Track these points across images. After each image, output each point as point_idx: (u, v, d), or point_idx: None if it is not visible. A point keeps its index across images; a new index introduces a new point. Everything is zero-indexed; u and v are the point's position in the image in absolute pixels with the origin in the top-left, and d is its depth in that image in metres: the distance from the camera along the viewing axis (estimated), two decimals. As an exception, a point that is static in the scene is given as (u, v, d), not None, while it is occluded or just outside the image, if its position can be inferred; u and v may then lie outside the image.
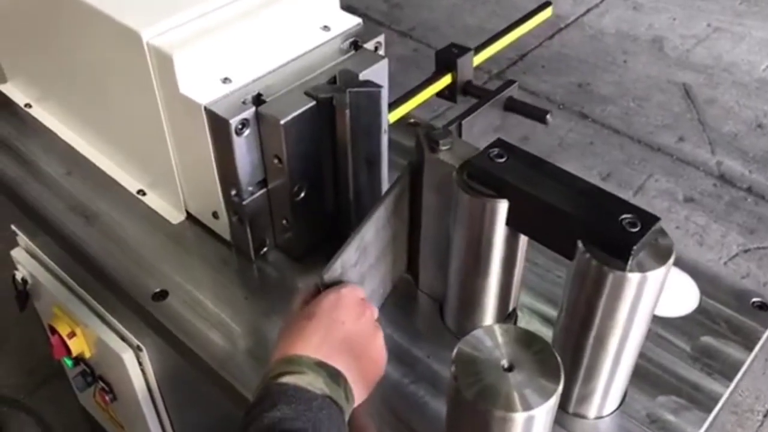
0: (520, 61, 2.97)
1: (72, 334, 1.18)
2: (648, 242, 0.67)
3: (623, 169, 2.51)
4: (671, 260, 0.67)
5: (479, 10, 3.26)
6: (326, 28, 0.96)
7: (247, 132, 0.85)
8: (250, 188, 0.91)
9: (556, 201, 0.70)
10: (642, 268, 0.66)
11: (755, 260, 2.23)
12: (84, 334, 1.16)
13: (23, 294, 1.28)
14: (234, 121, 0.83)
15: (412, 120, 1.17)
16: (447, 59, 1.13)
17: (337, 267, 0.77)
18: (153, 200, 1.05)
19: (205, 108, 0.85)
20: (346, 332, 0.72)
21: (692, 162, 2.53)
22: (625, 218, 0.67)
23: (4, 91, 1.25)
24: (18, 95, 1.23)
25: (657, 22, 3.17)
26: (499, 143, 0.76)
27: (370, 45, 0.96)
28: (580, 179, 0.73)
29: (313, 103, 0.86)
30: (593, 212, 0.69)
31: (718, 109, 2.73)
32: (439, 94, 1.16)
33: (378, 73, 0.92)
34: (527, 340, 0.64)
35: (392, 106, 1.07)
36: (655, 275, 0.66)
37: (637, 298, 0.67)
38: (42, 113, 1.20)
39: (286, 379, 0.66)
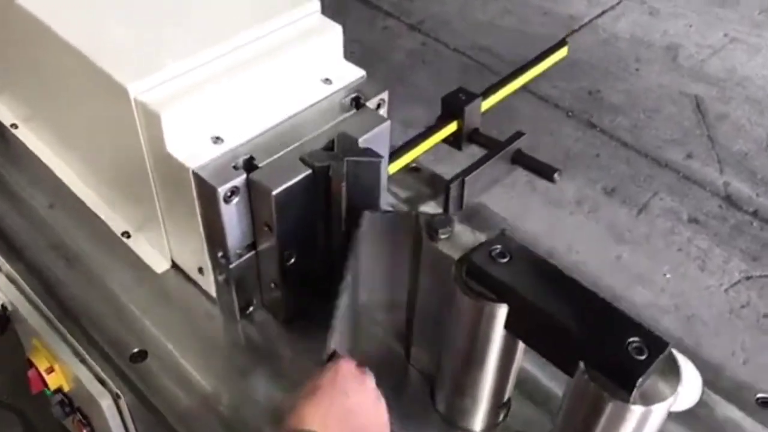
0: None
1: (50, 369, 1.13)
2: (655, 370, 0.63)
3: (629, 185, 2.46)
4: (679, 388, 0.63)
5: (491, 6, 3.17)
6: (328, 81, 0.90)
7: (236, 200, 0.80)
8: (238, 251, 0.86)
9: (560, 314, 0.66)
10: (646, 401, 0.62)
11: (756, 289, 2.20)
12: (62, 370, 1.12)
13: (3, 318, 1.24)
14: (222, 190, 0.78)
15: (414, 165, 1.12)
16: (454, 105, 1.08)
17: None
18: (138, 245, 1.01)
19: (193, 172, 0.80)
20: (350, 404, 0.71)
21: (699, 181, 2.48)
22: (633, 342, 0.63)
23: (-9, 108, 1.19)
24: (5, 114, 1.18)
25: (673, 28, 3.08)
26: (502, 239, 0.71)
27: (373, 102, 0.90)
28: (589, 291, 0.68)
29: (309, 171, 0.81)
30: (598, 332, 0.64)
31: (729, 126, 2.67)
32: (445, 140, 1.11)
33: (379, 137, 0.86)
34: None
35: (395, 155, 1.02)
36: (660, 408, 0.62)
37: (639, 429, 0.63)
38: (28, 135, 1.14)
39: None
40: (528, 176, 1.93)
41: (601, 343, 0.64)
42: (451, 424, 0.84)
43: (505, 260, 0.70)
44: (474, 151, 1.12)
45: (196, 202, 0.82)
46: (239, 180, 0.80)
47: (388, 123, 0.88)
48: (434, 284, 0.78)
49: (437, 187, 1.06)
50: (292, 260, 0.87)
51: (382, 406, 0.75)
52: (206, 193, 0.80)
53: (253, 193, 0.81)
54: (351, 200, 0.82)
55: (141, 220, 0.99)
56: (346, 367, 0.74)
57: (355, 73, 0.92)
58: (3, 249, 1.08)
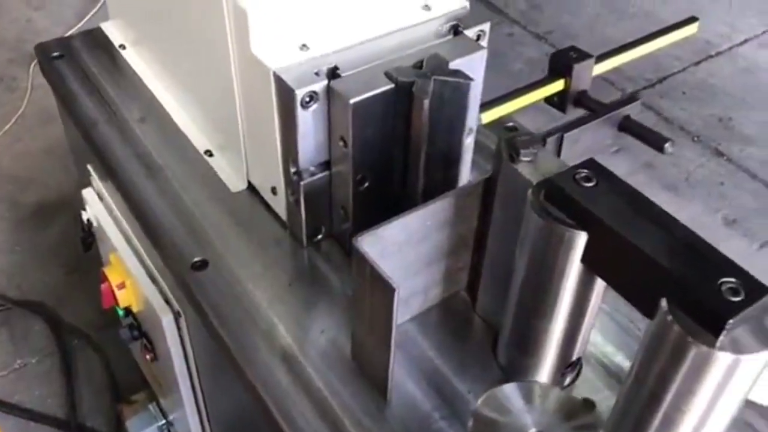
0: (659, 83, 2.76)
1: (122, 285, 1.14)
2: (750, 317, 0.53)
3: (752, 218, 2.27)
4: (777, 347, 0.53)
5: (625, 24, 3.05)
6: (427, 7, 0.86)
7: (314, 106, 0.77)
8: (312, 168, 0.83)
9: (646, 245, 0.58)
10: (736, 348, 0.53)
11: None
12: (133, 287, 1.13)
13: (88, 235, 1.26)
14: (300, 92, 0.75)
15: (510, 124, 1.05)
16: (562, 63, 1.00)
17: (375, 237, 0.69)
18: (218, 163, 0.99)
19: (274, 74, 0.77)
20: None
21: (832, 223, 2.26)
22: (727, 282, 0.54)
23: (104, 29, 1.22)
24: (115, 35, 1.21)
25: (823, 63, 2.86)
26: (590, 164, 0.64)
27: (472, 32, 0.85)
28: (681, 225, 0.59)
29: (391, 86, 0.76)
30: (688, 267, 0.56)
31: None
32: (548, 100, 1.04)
33: (473, 63, 0.81)
34: (571, 410, 0.52)
35: (489, 104, 0.96)
36: (752, 360, 0.53)
37: (724, 384, 0.54)
38: (133, 56, 1.17)
39: None
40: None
41: (689, 278, 0.55)
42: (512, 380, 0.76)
43: (591, 184, 0.62)
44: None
45: (275, 108, 0.80)
46: (319, 86, 0.76)
47: (484, 51, 0.82)
48: (508, 217, 0.71)
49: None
50: (366, 184, 0.82)
51: None
52: (285, 96, 0.77)
53: (331, 102, 0.77)
54: (434, 123, 0.77)
55: (223, 138, 0.98)
56: None
57: (456, 3, 0.87)
58: (95, 161, 1.10)
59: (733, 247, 2.18)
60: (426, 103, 0.74)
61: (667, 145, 0.94)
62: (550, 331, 0.70)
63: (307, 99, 0.76)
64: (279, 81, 0.77)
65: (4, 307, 2.01)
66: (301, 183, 0.82)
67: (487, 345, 0.80)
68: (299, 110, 0.76)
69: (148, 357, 1.22)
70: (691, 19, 1.12)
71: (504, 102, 0.97)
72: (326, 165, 0.83)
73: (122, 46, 1.18)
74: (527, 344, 0.73)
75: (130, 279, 1.13)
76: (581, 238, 0.62)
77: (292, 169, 0.83)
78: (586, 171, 0.63)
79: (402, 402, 0.75)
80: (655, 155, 2.40)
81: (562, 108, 1.03)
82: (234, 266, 0.88)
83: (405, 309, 0.81)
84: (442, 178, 0.84)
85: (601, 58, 1.03)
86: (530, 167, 0.67)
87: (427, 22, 0.84)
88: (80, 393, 1.86)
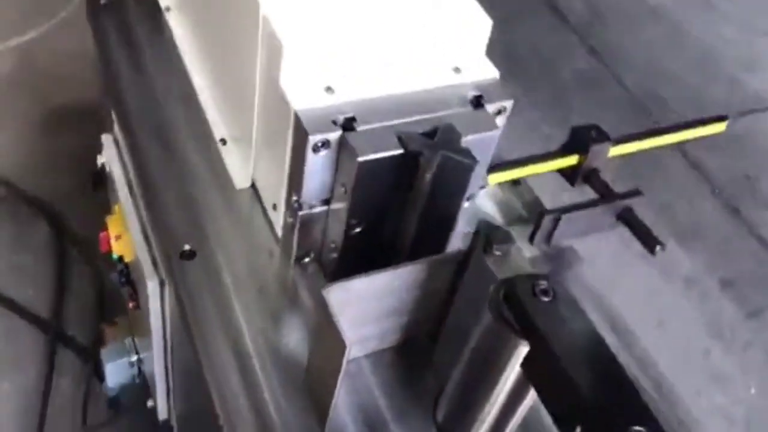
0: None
1: (119, 237, 1.20)
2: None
3: (749, 285, 2.29)
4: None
5: (683, 59, 3.00)
6: (457, 70, 0.87)
7: (324, 152, 0.80)
8: (312, 202, 0.86)
9: (577, 374, 0.61)
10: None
11: None
12: (128, 243, 1.18)
13: (99, 176, 1.31)
14: (314, 139, 0.78)
15: (517, 178, 1.08)
16: (580, 140, 1.02)
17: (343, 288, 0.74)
18: (229, 155, 1.03)
19: (295, 113, 0.80)
20: None
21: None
22: (634, 430, 0.58)
23: (152, -13, 1.24)
24: (164, -2, 1.22)
25: None
26: (551, 277, 0.67)
27: (494, 107, 0.87)
28: (617, 364, 0.63)
29: (400, 151, 0.79)
30: (607, 406, 0.60)
31: None
32: (560, 170, 1.06)
33: (484, 142, 0.83)
34: None
35: (500, 167, 0.99)
36: None
37: None
38: (176, 21, 1.18)
39: None
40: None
41: (603, 418, 0.59)
42: None
43: (547, 299, 0.66)
44: (585, 191, 1.07)
45: (289, 141, 0.83)
46: (333, 135, 0.79)
47: (497, 132, 0.84)
48: (475, 292, 0.75)
49: (531, 208, 1.03)
50: (358, 229, 0.86)
51: None
52: (300, 137, 0.80)
53: (341, 151, 0.80)
54: (434, 190, 0.80)
55: (238, 134, 1.01)
56: None
57: (487, 72, 0.88)
58: (119, 113, 1.13)
59: (721, 309, 2.21)
60: (428, 176, 0.77)
61: (658, 248, 0.97)
62: (484, 412, 0.75)
63: (320, 145, 0.79)
64: (297, 121, 0.79)
65: (13, 202, 2.08)
66: (299, 213, 0.86)
67: (431, 398, 0.84)
68: (309, 153, 0.79)
69: (131, 305, 1.28)
70: (721, 118, 1.13)
71: (515, 167, 1.00)
72: (326, 201, 0.87)
73: (167, 8, 1.20)
74: (463, 413, 0.78)
75: (128, 235, 1.17)
76: (524, 347, 0.66)
77: (294, 197, 0.86)
78: (545, 284, 0.66)
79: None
80: (677, 196, 2.42)
81: (571, 181, 1.05)
82: (221, 264, 0.92)
83: (360, 347, 0.86)
84: (435, 237, 0.87)
85: (620, 141, 1.05)
86: (498, 263, 0.71)
87: (453, 86, 0.86)
88: (69, 303, 1.93)
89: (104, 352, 1.53)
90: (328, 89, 0.82)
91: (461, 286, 0.79)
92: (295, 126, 0.80)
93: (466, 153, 0.79)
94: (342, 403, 0.82)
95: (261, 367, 0.84)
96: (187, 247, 0.93)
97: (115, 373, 1.50)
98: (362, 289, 0.77)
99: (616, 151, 1.05)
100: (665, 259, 2.22)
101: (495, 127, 0.84)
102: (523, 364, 0.67)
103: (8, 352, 1.85)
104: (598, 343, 0.65)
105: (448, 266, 0.80)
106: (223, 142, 1.05)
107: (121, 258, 1.26)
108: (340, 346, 0.69)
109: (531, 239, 0.98)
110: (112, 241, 1.20)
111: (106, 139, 1.27)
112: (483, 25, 0.87)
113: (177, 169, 1.01)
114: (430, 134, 0.81)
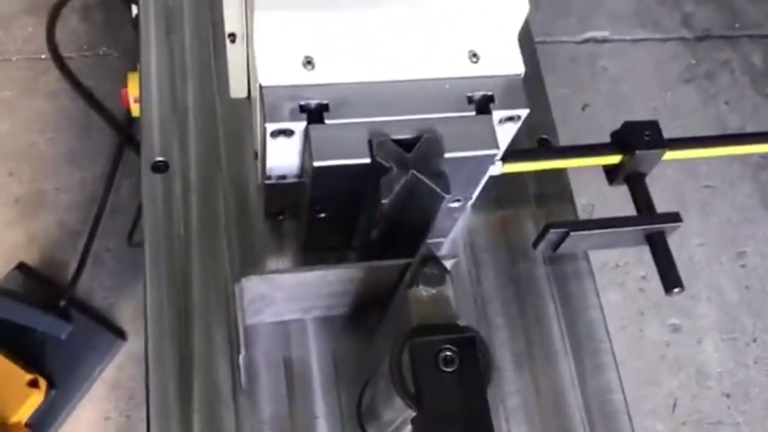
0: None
1: (137, 101, 1.17)
2: None
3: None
4: None
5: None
6: (475, 56, 0.72)
7: (284, 140, 0.70)
8: (279, 175, 0.77)
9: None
10: None
11: None
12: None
13: (134, 23, 1.24)
14: (270, 127, 0.68)
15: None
16: (629, 139, 0.85)
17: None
18: (232, 55, 0.89)
19: (260, 87, 0.69)
20: None
21: None
22: None
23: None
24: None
25: None
26: (465, 342, 0.59)
27: (503, 114, 0.72)
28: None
29: (366, 160, 0.68)
30: None
31: None
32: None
33: (476, 165, 0.71)
34: None
35: (522, 156, 0.85)
36: None
37: None
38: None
39: None
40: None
41: None
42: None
43: (449, 370, 0.58)
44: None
45: (258, 113, 0.73)
46: (297, 125, 0.68)
47: (495, 152, 0.70)
48: (392, 326, 0.70)
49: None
50: (323, 215, 0.78)
51: None
52: (263, 114, 0.70)
53: (305, 142, 0.70)
54: (400, 211, 0.70)
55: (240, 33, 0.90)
56: None
57: (510, 65, 0.72)
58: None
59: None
60: (385, 202, 0.67)
61: (676, 290, 0.83)
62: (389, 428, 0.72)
63: (277, 133, 0.69)
64: (262, 99, 0.69)
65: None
66: (267, 183, 0.78)
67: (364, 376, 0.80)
68: (268, 138, 0.70)
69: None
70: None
71: (541, 159, 0.85)
72: (299, 175, 0.78)
73: None
74: (374, 419, 0.76)
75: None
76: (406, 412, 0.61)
77: (260, 167, 0.78)
78: (451, 353, 0.58)
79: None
80: (693, 214, 2.05)
81: (610, 180, 0.90)
82: (193, 179, 0.90)
83: (302, 313, 0.83)
84: (406, 241, 0.78)
85: (677, 146, 0.87)
86: (419, 305, 0.63)
87: (463, 79, 0.71)
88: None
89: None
90: (308, 63, 0.69)
91: (387, 311, 0.72)
92: (261, 100, 0.70)
93: (441, 179, 0.67)
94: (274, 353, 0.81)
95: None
96: (159, 159, 0.91)
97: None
98: (287, 283, 0.74)
99: (672, 155, 0.88)
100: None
101: (494, 145, 0.70)
102: (413, 421, 0.62)
103: (83, 147, 1.93)
104: (485, 424, 0.58)
105: (393, 272, 0.72)
106: (232, 38, 0.94)
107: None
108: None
109: (534, 245, 0.86)
110: (131, 103, 1.18)
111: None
112: (522, 6, 0.70)
113: (179, 62, 0.97)
114: (411, 143, 0.69)
